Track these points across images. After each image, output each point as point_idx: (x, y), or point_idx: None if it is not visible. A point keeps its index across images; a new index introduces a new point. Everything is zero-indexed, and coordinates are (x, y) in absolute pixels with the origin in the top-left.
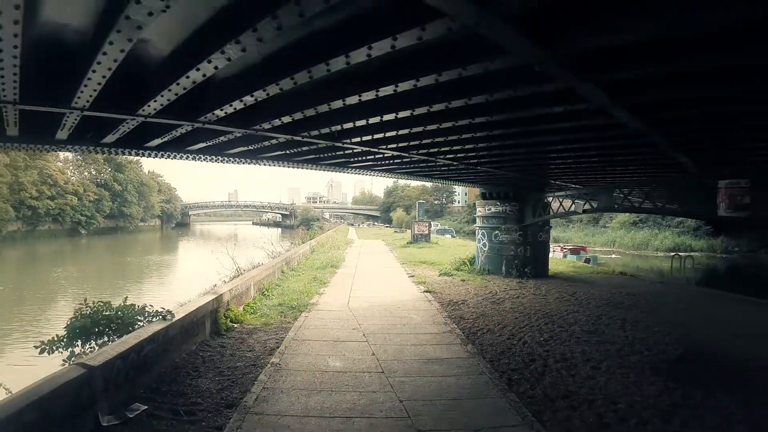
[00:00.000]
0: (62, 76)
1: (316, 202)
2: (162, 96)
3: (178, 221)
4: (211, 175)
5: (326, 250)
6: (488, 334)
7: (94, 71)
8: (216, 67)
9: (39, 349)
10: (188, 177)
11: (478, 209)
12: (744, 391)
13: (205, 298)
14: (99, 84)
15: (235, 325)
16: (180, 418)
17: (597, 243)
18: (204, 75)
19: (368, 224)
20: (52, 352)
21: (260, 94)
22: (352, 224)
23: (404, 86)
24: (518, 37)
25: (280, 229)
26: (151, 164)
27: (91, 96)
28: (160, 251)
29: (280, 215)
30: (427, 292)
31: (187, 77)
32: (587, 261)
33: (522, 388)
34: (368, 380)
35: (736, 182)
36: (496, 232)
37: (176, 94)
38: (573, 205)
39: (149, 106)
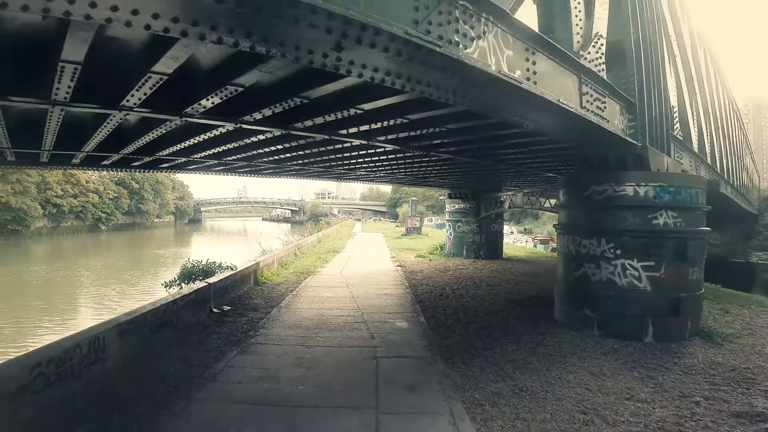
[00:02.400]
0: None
1: (325, 198)
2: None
3: (190, 218)
4: None
5: (331, 241)
6: (424, 285)
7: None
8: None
9: (165, 285)
10: (199, 175)
11: (446, 206)
12: (549, 308)
13: (249, 263)
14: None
15: (267, 281)
16: (247, 311)
17: None
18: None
19: (375, 219)
20: (170, 287)
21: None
22: (360, 219)
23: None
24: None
25: (289, 225)
26: None
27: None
28: (183, 244)
29: (289, 211)
30: (399, 266)
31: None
32: (553, 250)
33: (425, 304)
34: (344, 300)
35: None
36: (459, 223)
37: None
38: (526, 202)
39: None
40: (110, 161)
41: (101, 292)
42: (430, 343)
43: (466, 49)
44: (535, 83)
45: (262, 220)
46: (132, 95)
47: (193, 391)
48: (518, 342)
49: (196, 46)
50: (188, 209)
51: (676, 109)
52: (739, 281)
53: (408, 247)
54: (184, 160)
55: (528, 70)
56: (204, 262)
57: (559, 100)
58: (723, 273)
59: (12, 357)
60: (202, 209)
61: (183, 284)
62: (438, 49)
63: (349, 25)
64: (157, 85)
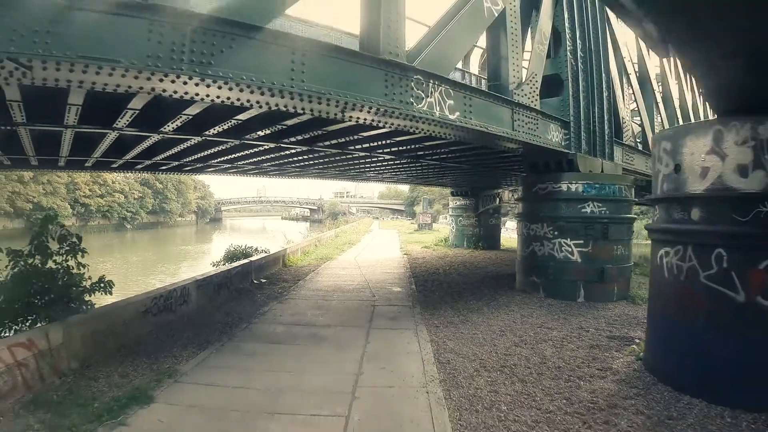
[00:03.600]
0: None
1: (344, 197)
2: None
3: (211, 217)
4: None
5: (347, 235)
6: (422, 267)
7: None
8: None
9: (213, 265)
10: (223, 176)
11: (449, 202)
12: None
13: (278, 250)
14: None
15: (292, 265)
16: (279, 282)
17: None
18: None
19: (392, 218)
20: (217, 266)
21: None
22: (377, 218)
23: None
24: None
25: (308, 223)
26: None
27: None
28: (207, 241)
29: (308, 210)
30: (405, 254)
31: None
32: None
33: (419, 279)
34: (355, 276)
35: None
36: (460, 218)
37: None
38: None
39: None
40: (143, 165)
41: (147, 281)
42: (415, 299)
43: (417, 105)
44: (470, 119)
45: (281, 219)
46: (168, 125)
47: (250, 320)
48: (479, 299)
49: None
50: (209, 208)
51: (627, 121)
52: None
53: (417, 241)
54: (229, 165)
55: (465, 111)
56: (243, 247)
57: (487, 128)
58: None
59: (127, 299)
60: (222, 208)
61: (227, 264)
62: (397, 109)
63: (348, 100)
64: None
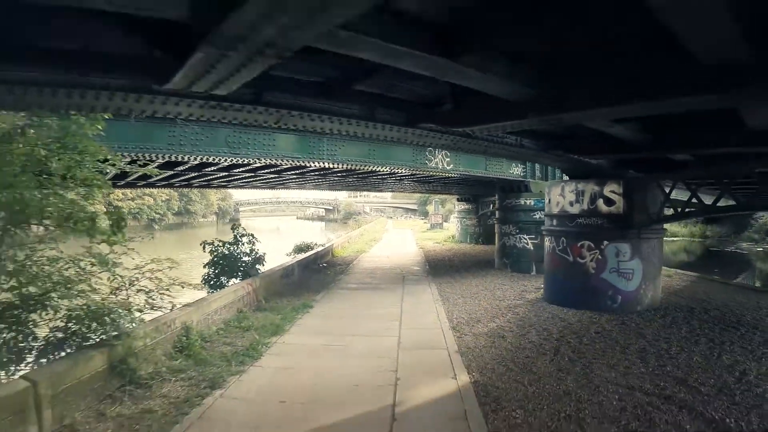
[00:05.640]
0: None
1: (357, 197)
2: None
3: (231, 217)
4: None
5: (370, 234)
6: (433, 256)
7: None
8: None
9: (287, 254)
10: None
11: (455, 206)
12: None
13: (327, 245)
14: None
15: (337, 256)
16: (336, 266)
17: None
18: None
19: (406, 217)
20: (290, 254)
21: None
22: (391, 217)
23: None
24: None
25: (323, 223)
26: None
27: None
28: None
29: (323, 210)
30: (420, 248)
31: None
32: None
33: (431, 263)
34: (386, 262)
35: None
36: (464, 219)
37: None
38: None
39: None
40: (178, 183)
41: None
42: (428, 272)
43: (430, 163)
44: (459, 168)
45: (297, 218)
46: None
47: (332, 282)
48: (468, 272)
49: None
50: (229, 209)
51: None
52: (705, 264)
53: (429, 238)
54: (253, 179)
55: (456, 165)
56: (306, 243)
57: (469, 172)
58: (699, 258)
59: (272, 269)
60: (240, 209)
61: (296, 254)
62: (419, 167)
63: (384, 166)
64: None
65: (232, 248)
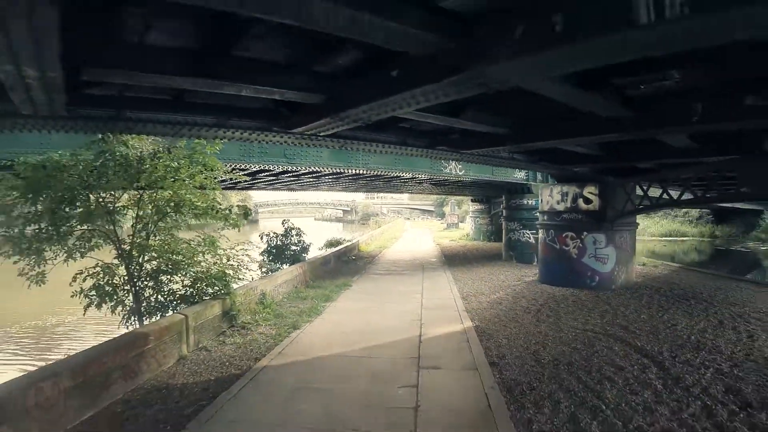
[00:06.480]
0: None
1: (375, 198)
2: None
3: (250, 218)
4: None
5: (391, 232)
6: (449, 251)
7: None
8: None
9: (319, 249)
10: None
11: (470, 207)
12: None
13: (354, 240)
14: None
15: (362, 251)
16: (363, 259)
17: None
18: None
19: (422, 218)
20: (322, 248)
21: None
22: (408, 218)
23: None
24: None
25: (341, 224)
26: None
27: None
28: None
29: (341, 211)
30: (437, 244)
31: None
32: None
33: (447, 256)
34: (407, 255)
35: None
36: (478, 218)
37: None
38: None
39: None
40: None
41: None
42: (443, 264)
43: (444, 170)
44: (466, 174)
45: (314, 219)
46: None
47: (363, 270)
48: (478, 264)
49: None
50: (249, 210)
51: None
52: (710, 261)
53: (445, 236)
54: (275, 181)
55: (467, 171)
56: (336, 239)
57: (478, 177)
58: (704, 255)
59: (316, 256)
60: (259, 210)
61: (327, 248)
62: (435, 173)
63: (407, 172)
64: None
65: (282, 239)
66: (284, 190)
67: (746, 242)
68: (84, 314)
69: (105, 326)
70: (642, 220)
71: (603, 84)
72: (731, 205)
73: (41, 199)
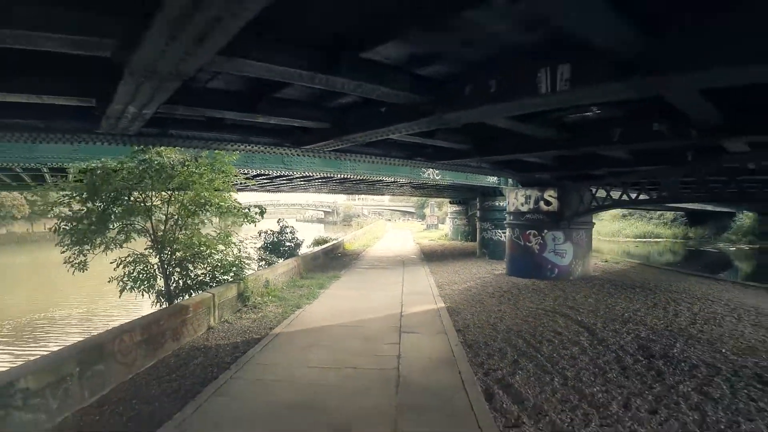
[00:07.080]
0: None
1: (356, 200)
2: None
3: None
4: None
5: (373, 232)
6: (428, 249)
7: None
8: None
9: (308, 246)
10: None
11: (448, 208)
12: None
13: (339, 240)
14: None
15: (346, 249)
16: (347, 256)
17: None
18: None
19: (403, 219)
20: (311, 246)
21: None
22: (389, 219)
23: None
24: None
25: (323, 225)
26: None
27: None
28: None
29: (323, 212)
30: (417, 244)
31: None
32: None
33: (426, 253)
34: (389, 253)
35: None
36: (456, 219)
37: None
38: None
39: None
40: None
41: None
42: (423, 260)
43: (423, 175)
44: (443, 178)
45: (296, 221)
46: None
47: (350, 265)
48: (454, 260)
49: None
50: (264, 209)
51: None
52: (680, 261)
53: (425, 236)
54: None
55: (443, 176)
56: (323, 237)
57: (453, 181)
58: (676, 256)
59: (307, 252)
60: None
61: (315, 246)
62: (415, 178)
63: (389, 177)
64: None
65: (278, 236)
66: (276, 191)
67: (717, 243)
68: (119, 297)
69: (101, 320)
70: (617, 222)
71: (537, 116)
72: (701, 207)
73: (101, 197)
